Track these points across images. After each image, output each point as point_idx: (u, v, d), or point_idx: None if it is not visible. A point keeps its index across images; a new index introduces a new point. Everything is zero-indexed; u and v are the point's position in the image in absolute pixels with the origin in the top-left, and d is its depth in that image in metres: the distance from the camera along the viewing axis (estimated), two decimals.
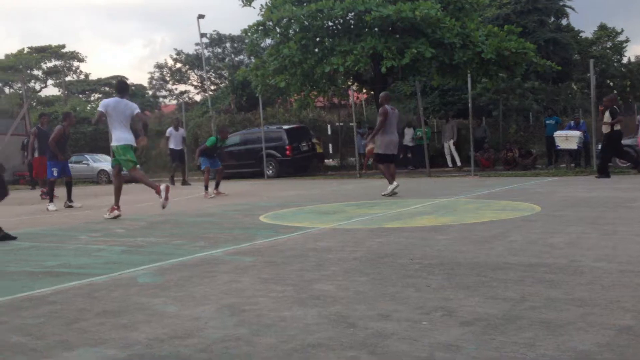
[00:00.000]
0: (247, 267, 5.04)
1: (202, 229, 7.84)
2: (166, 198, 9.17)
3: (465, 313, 3.45)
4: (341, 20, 21.41)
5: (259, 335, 3.16)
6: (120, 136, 9.32)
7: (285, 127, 23.26)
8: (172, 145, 19.70)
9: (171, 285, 4.50)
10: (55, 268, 5.43)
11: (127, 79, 40.85)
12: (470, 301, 3.70)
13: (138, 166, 9.65)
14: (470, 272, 4.51)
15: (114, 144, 9.42)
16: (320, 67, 20.26)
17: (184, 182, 19.72)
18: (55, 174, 12.61)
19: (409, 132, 23.16)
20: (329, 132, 26.46)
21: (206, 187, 14.08)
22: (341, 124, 26.74)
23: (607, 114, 14.44)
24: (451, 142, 22.20)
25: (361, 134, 23.41)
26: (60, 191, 13.48)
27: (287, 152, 22.12)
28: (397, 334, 3.11)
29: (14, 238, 7.47)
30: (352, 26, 21.27)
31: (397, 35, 20.66)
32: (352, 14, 20.42)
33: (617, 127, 14.39)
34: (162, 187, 9.22)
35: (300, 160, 22.54)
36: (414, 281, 4.28)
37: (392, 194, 11.74)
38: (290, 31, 21.51)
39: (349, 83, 23.81)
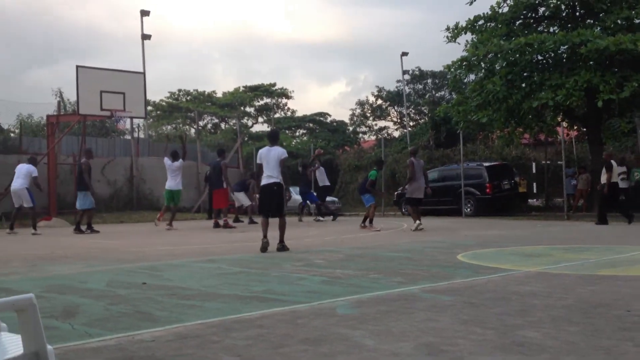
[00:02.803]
0: (445, 306, 4.93)
1: (399, 264, 7.84)
2: None
3: None
4: (552, 54, 20.50)
5: None
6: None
7: (486, 164, 22.65)
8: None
9: (369, 318, 4.53)
10: (262, 293, 5.74)
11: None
12: None
13: None
14: None
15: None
16: (527, 103, 19.49)
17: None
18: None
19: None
20: (534, 171, 25.30)
21: (371, 221, 15.24)
22: (548, 162, 25.42)
23: (603, 169, 16.52)
24: None
25: (571, 175, 22.05)
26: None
27: (487, 190, 21.47)
28: None
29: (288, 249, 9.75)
30: (564, 60, 20.27)
31: (615, 69, 19.29)
32: (565, 47, 19.47)
33: (614, 179, 16.31)
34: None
35: (500, 199, 21.76)
36: (632, 335, 3.89)
37: (417, 229, 14.08)
38: (496, 66, 21.03)
39: (559, 119, 22.62)
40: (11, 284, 6.45)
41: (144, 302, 5.33)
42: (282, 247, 9.79)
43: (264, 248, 9.67)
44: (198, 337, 4.01)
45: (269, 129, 44.57)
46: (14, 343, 2.50)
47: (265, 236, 9.82)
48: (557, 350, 3.54)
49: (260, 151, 10.08)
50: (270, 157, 9.86)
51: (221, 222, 16.62)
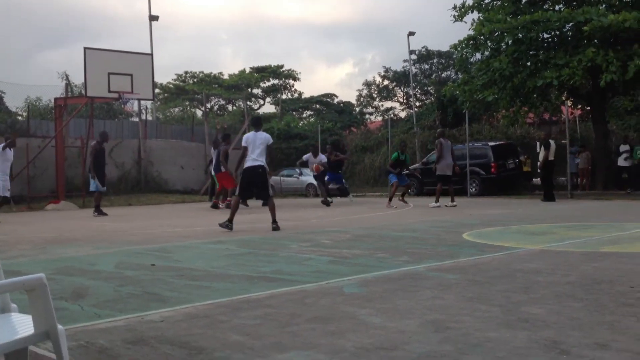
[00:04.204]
0: (450, 285, 4.98)
1: (404, 244, 7.89)
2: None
3: None
4: (557, 32, 20.35)
5: (465, 354, 3.10)
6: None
7: (492, 143, 22.60)
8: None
9: (375, 297, 4.59)
10: (270, 274, 5.79)
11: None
12: None
13: None
14: None
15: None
16: (532, 82, 19.40)
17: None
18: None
19: (624, 150, 21.27)
20: (538, 150, 25.20)
21: (390, 199, 16.16)
22: (551, 141, 25.32)
23: (542, 147, 17.42)
24: None
25: (573, 153, 21.97)
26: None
27: (492, 170, 21.45)
28: None
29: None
30: (569, 38, 20.12)
31: (619, 47, 19.13)
32: (570, 24, 19.31)
33: (551, 157, 17.12)
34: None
35: (505, 178, 21.74)
36: (635, 310, 3.93)
37: (437, 206, 15.12)
38: (502, 45, 20.90)
39: (563, 98, 22.50)
40: (20, 266, 6.52)
41: (152, 283, 5.39)
42: (276, 226, 10.16)
43: (230, 228, 10.20)
44: (207, 317, 4.08)
45: (276, 110, 44.68)
46: (25, 323, 2.56)
47: (232, 220, 10.26)
48: (561, 326, 3.58)
49: (247, 135, 10.48)
50: (257, 142, 10.26)
51: (222, 204, 16.65)
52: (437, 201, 15.54)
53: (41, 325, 2.41)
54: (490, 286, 4.87)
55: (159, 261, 6.75)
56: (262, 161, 10.21)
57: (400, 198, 16.80)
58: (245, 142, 10.36)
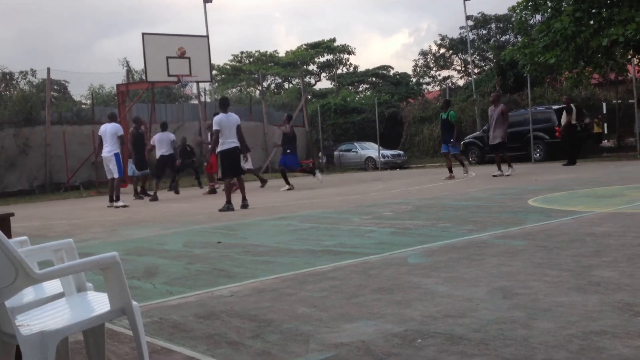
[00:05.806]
0: (517, 251, 4.90)
1: (468, 213, 7.78)
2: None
3: None
4: None
5: (535, 319, 3.05)
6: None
7: (555, 107, 21.93)
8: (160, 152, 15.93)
9: (441, 266, 4.55)
10: (333, 247, 5.83)
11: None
12: None
13: None
14: None
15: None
16: (596, 40, 18.65)
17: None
18: None
19: None
20: (604, 111, 24.31)
21: (450, 170, 15.38)
22: (619, 101, 24.36)
23: (564, 112, 17.84)
24: None
25: None
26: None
27: (557, 134, 20.85)
28: None
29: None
30: None
31: None
32: None
33: (573, 121, 17.68)
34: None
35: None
36: None
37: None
38: (563, 4, 20.14)
39: (629, 56, 21.54)
40: (93, 248, 6.76)
41: (220, 260, 5.51)
42: (247, 204, 10.66)
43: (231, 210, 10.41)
44: (274, 291, 4.14)
45: (332, 85, 44.57)
46: (101, 301, 2.65)
47: (230, 201, 10.54)
48: (635, 288, 3.48)
49: (220, 118, 10.56)
50: (231, 124, 10.59)
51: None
52: (510, 167, 15.03)
53: (117, 302, 2.50)
54: (559, 251, 4.76)
55: (225, 239, 6.88)
56: (237, 142, 10.64)
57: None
58: (219, 125, 10.50)
